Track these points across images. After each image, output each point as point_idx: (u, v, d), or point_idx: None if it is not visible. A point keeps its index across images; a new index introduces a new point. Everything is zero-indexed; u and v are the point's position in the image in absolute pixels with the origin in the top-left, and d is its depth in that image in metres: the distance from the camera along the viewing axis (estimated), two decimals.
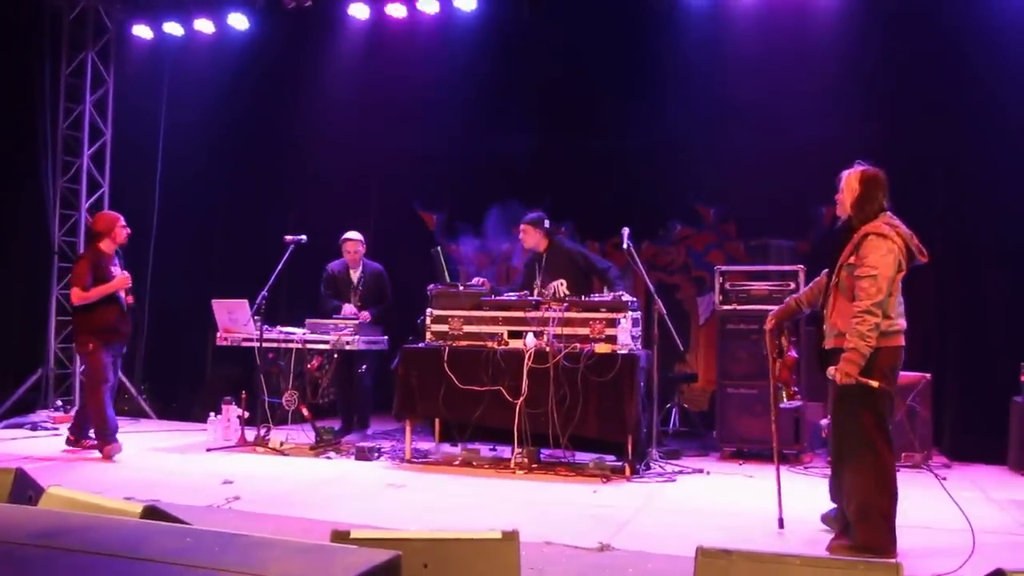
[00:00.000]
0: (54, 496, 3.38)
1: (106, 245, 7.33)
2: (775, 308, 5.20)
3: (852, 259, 4.51)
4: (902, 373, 6.69)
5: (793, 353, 5.04)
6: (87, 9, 10.09)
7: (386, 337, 7.94)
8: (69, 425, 7.68)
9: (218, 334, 7.80)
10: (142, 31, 10.28)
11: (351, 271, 8.29)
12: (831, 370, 4.43)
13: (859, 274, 4.44)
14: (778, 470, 5.02)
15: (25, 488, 3.72)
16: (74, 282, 7.22)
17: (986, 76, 7.62)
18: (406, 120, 9.43)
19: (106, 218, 7.50)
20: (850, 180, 4.69)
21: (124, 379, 9.84)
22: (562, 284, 7.25)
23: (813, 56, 8.26)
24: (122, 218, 7.50)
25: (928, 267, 7.22)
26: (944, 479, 6.56)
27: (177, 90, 10.27)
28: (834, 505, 4.88)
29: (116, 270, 7.31)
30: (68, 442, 7.46)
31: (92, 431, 7.29)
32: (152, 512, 3.23)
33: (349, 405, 8.16)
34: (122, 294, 7.32)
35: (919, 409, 7.07)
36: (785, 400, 5.05)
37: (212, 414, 7.96)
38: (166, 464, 6.97)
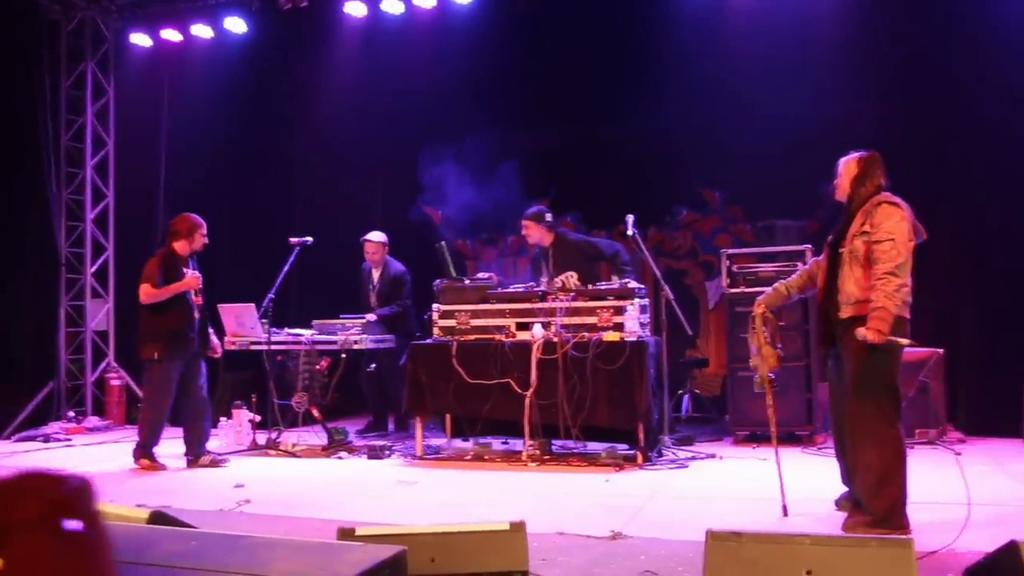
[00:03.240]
0: None
1: (180, 246, 7.03)
2: (763, 293, 5.19)
3: (866, 227, 4.52)
4: (915, 349, 6.74)
5: (780, 349, 5.04)
6: (85, 19, 10.11)
7: (393, 336, 7.93)
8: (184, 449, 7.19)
9: (226, 338, 7.80)
10: (140, 39, 10.29)
11: (373, 270, 8.35)
12: (860, 330, 4.39)
13: (878, 239, 4.46)
14: (778, 457, 4.99)
15: None
16: (143, 279, 6.86)
17: (993, 53, 7.56)
18: (407, 116, 9.41)
19: (189, 220, 7.12)
20: (848, 164, 4.78)
21: (136, 388, 9.90)
22: (572, 276, 7.25)
23: (815, 35, 8.20)
24: (204, 225, 7.18)
25: (940, 242, 7.21)
26: (959, 454, 6.56)
27: (178, 96, 10.28)
28: (846, 488, 4.86)
29: (188, 272, 7.02)
30: (188, 463, 7.04)
31: (206, 444, 7.12)
32: (159, 517, 3.26)
33: (378, 403, 8.43)
34: (192, 296, 7.00)
35: (932, 384, 7.04)
36: (761, 386, 5.05)
37: (223, 419, 7.97)
38: (178, 470, 6.97)
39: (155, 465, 6.93)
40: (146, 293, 6.82)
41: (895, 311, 4.38)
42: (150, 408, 7.00)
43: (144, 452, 6.96)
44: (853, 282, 4.56)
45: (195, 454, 7.03)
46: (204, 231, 7.14)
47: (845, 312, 4.59)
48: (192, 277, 6.96)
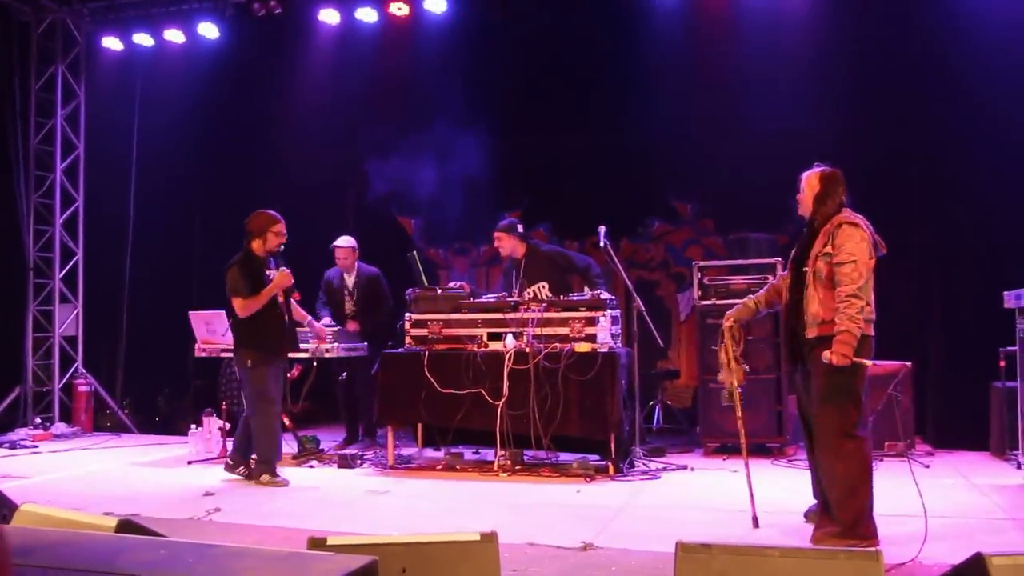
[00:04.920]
0: (28, 513, 3.35)
1: (257, 247, 6.55)
2: (733, 306, 5.24)
3: (828, 248, 4.58)
4: (883, 362, 6.81)
5: (745, 367, 5.10)
6: (56, 22, 10.03)
7: (366, 344, 7.90)
8: (230, 451, 6.87)
9: (196, 345, 7.75)
10: (112, 43, 10.20)
11: (345, 276, 8.27)
12: (826, 354, 4.46)
13: (839, 261, 4.53)
14: (748, 469, 5.03)
15: None
16: (232, 293, 6.42)
17: (959, 66, 7.67)
18: (379, 125, 9.39)
19: (260, 218, 6.59)
20: (810, 179, 4.83)
21: (104, 394, 9.81)
22: (543, 287, 7.27)
23: (786, 49, 8.29)
24: (282, 222, 6.63)
25: (906, 256, 7.30)
26: (927, 467, 6.63)
27: (149, 101, 10.21)
28: (815, 501, 4.89)
29: (272, 275, 6.59)
30: (227, 468, 6.71)
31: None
32: (127, 526, 3.21)
33: (353, 415, 8.20)
34: (280, 297, 6.60)
35: (901, 398, 7.11)
36: (729, 400, 5.11)
37: (193, 426, 7.92)
38: (147, 478, 6.92)
39: (277, 481, 6.42)
40: (243, 307, 6.39)
41: (858, 332, 4.45)
42: (257, 418, 6.48)
43: (265, 468, 6.46)
44: (818, 303, 4.62)
45: (238, 461, 6.68)
46: (279, 228, 6.58)
47: (811, 332, 4.66)
48: (281, 275, 6.54)
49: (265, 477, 6.43)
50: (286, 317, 6.67)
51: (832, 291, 4.54)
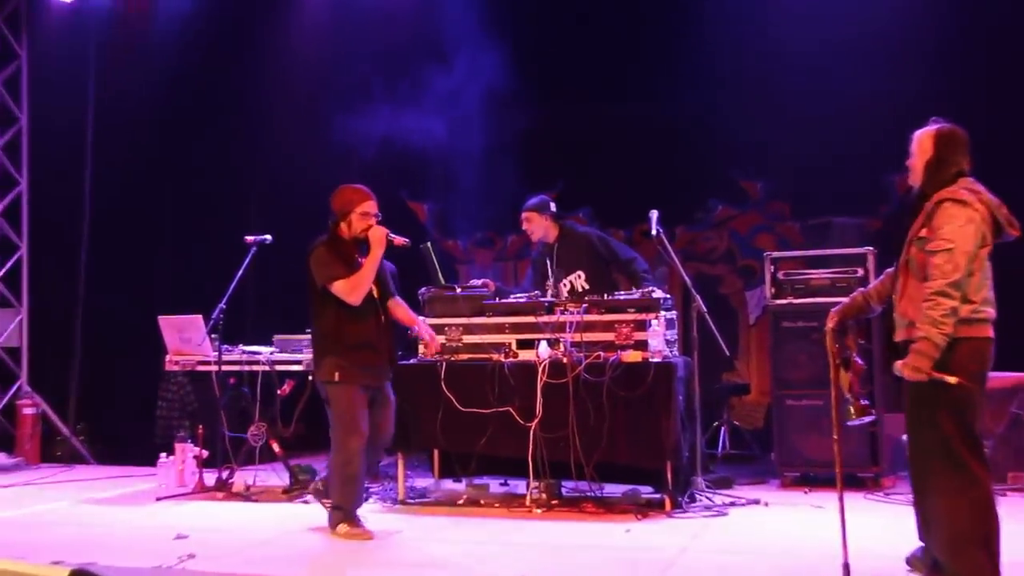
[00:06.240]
0: None
1: (344, 230, 6.21)
2: (838, 303, 5.13)
3: (924, 231, 4.46)
4: (1004, 374, 6.70)
5: (860, 361, 4.95)
6: None
7: None
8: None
9: (167, 358, 7.77)
10: None
11: None
12: (898, 365, 4.38)
13: (932, 248, 4.38)
14: (842, 503, 4.89)
15: None
16: (324, 280, 6.05)
17: None
18: (385, 93, 9.39)
19: (343, 194, 6.23)
20: (923, 141, 4.65)
21: (54, 418, 9.84)
22: (580, 277, 7.22)
23: None
24: (372, 199, 6.21)
25: None
26: None
27: (108, 67, 10.27)
28: (921, 544, 4.79)
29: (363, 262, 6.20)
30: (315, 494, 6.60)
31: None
32: None
33: None
34: (375, 291, 6.21)
35: None
36: (854, 417, 4.94)
37: (163, 455, 7.92)
38: (107, 518, 6.91)
39: (359, 532, 6.01)
40: (350, 290, 6.02)
41: (942, 341, 4.30)
42: (337, 452, 6.09)
43: (343, 515, 6.05)
44: (907, 299, 4.51)
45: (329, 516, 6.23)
46: (366, 207, 6.18)
47: (899, 335, 4.57)
48: (377, 231, 6.12)
49: (343, 527, 6.03)
50: (383, 317, 6.35)
51: (923, 284, 4.43)
